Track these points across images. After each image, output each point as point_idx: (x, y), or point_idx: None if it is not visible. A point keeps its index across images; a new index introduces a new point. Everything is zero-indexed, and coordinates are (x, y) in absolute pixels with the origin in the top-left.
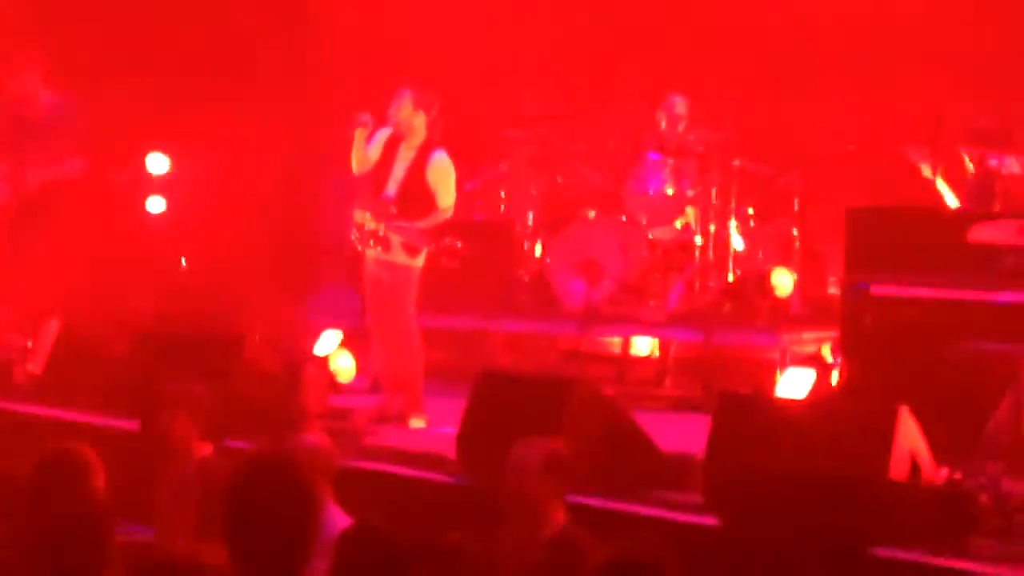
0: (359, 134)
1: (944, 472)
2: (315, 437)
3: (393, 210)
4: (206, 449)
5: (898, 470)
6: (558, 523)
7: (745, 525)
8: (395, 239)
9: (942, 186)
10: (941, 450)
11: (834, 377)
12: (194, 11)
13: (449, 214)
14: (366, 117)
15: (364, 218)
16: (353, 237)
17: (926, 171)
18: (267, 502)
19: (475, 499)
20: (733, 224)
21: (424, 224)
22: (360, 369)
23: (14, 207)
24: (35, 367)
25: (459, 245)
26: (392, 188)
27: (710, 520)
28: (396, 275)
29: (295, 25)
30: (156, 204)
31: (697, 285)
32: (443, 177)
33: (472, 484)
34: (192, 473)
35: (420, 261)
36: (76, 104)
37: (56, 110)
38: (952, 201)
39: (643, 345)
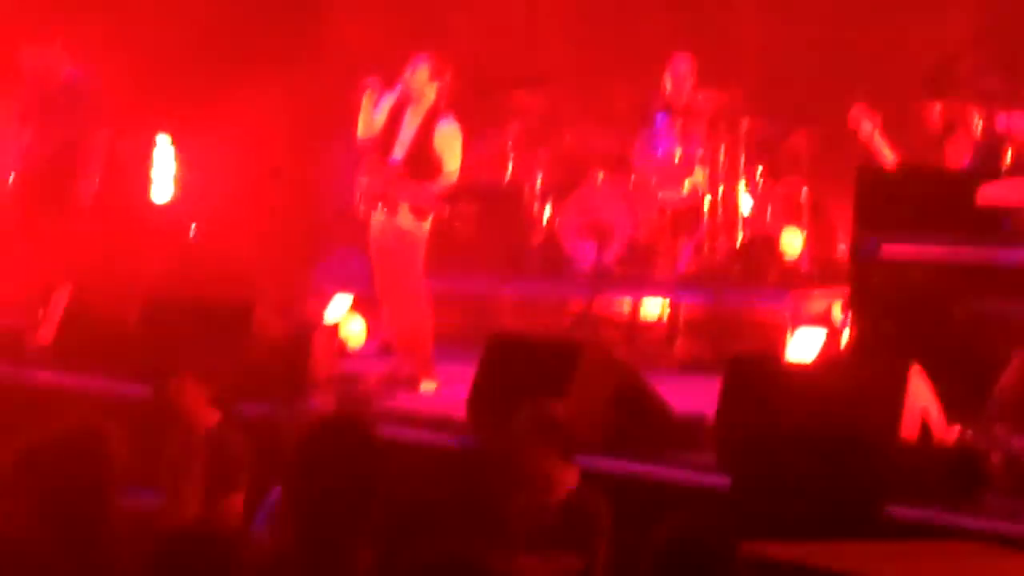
0: (366, 99)
1: (955, 431)
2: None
3: (401, 174)
4: (214, 416)
5: (909, 429)
6: (569, 486)
7: (757, 485)
8: (403, 202)
9: (882, 145)
10: (952, 409)
11: (844, 337)
12: None
13: (454, 179)
14: (373, 82)
15: (370, 182)
16: (359, 202)
17: (865, 130)
18: (336, 461)
19: (486, 462)
20: (742, 184)
21: (433, 188)
22: (370, 334)
23: (32, 177)
24: (45, 335)
25: (472, 209)
26: (399, 152)
27: (722, 481)
28: (403, 240)
29: None
30: (163, 173)
31: (706, 246)
32: (450, 142)
33: (483, 447)
34: (200, 440)
35: (427, 225)
36: (97, 77)
37: (77, 83)
38: (890, 159)
39: (653, 307)
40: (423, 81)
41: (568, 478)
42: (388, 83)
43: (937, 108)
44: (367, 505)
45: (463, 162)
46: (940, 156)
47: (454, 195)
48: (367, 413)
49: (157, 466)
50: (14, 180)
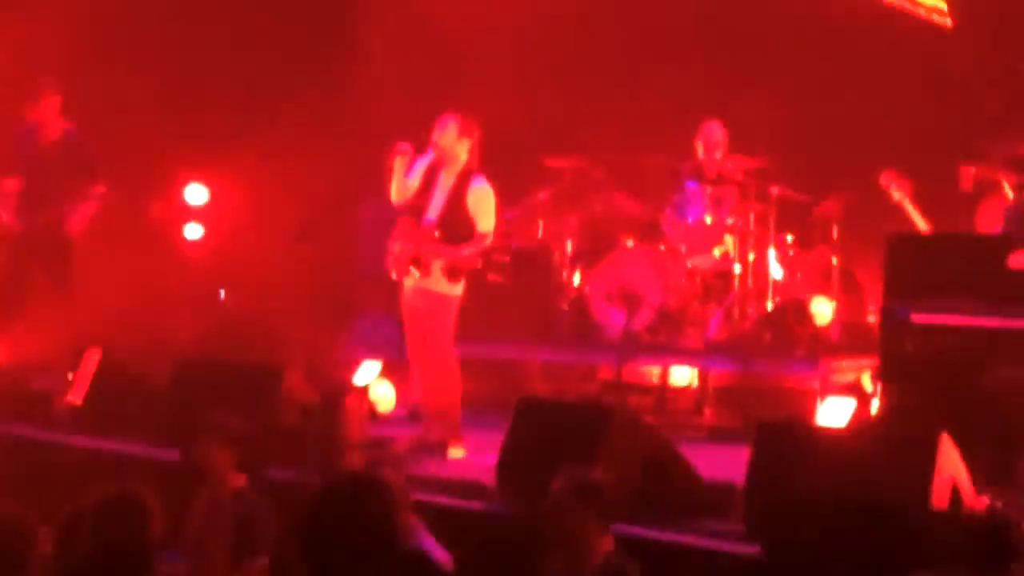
0: (398, 163)
1: (985, 500)
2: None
3: (436, 235)
4: (240, 480)
5: (939, 498)
6: (603, 552)
7: (787, 554)
8: (436, 264)
9: (912, 211)
10: (982, 478)
11: (874, 406)
12: (233, 39)
13: (489, 240)
14: (405, 146)
15: (404, 246)
16: (391, 266)
17: (896, 195)
18: (348, 522)
19: (519, 527)
20: (772, 252)
21: (466, 251)
22: (399, 399)
23: (47, 238)
24: (76, 398)
25: (507, 260)
26: (433, 214)
27: (752, 549)
28: (435, 304)
29: (334, 53)
30: (194, 233)
31: (736, 314)
32: (483, 202)
33: (513, 512)
34: (226, 504)
35: (459, 290)
36: (85, 133)
37: (68, 137)
38: (922, 225)
39: (682, 374)
40: (452, 139)
41: (604, 543)
42: (420, 148)
43: (971, 172)
44: (385, 559)
45: (496, 224)
46: (971, 221)
47: (490, 250)
48: (396, 477)
49: (184, 529)
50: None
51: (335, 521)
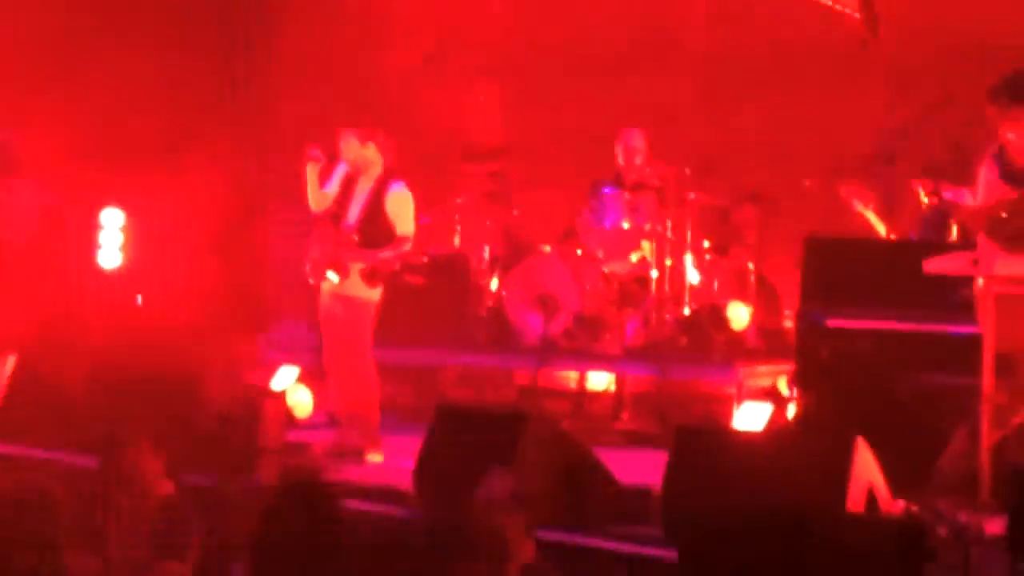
0: (310, 169)
1: (900, 504)
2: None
3: (355, 238)
4: (168, 487)
5: (855, 502)
6: (527, 558)
7: (704, 558)
8: (355, 268)
9: (875, 220)
10: (897, 482)
11: (790, 411)
12: (140, 51)
13: (409, 244)
14: (316, 152)
15: (322, 250)
16: (308, 271)
17: (858, 206)
18: (298, 522)
19: (439, 533)
20: (689, 258)
21: (385, 255)
22: (317, 404)
23: None
24: None
25: (425, 259)
26: (352, 218)
27: (670, 553)
28: (352, 309)
29: (241, 60)
30: (111, 241)
31: (653, 319)
32: (401, 207)
33: (430, 518)
34: (149, 510)
35: (377, 294)
36: (19, 141)
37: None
38: (883, 232)
39: (599, 380)
40: (356, 149)
41: (527, 550)
42: (332, 153)
43: (860, 184)
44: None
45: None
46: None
47: (408, 255)
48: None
49: (102, 534)
50: None
51: (289, 524)
